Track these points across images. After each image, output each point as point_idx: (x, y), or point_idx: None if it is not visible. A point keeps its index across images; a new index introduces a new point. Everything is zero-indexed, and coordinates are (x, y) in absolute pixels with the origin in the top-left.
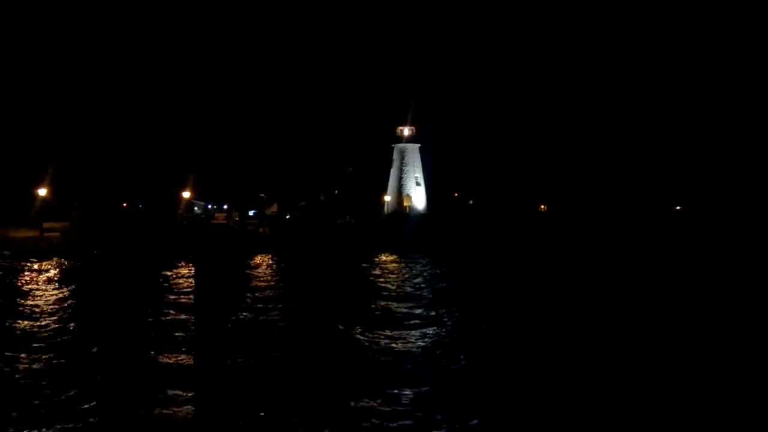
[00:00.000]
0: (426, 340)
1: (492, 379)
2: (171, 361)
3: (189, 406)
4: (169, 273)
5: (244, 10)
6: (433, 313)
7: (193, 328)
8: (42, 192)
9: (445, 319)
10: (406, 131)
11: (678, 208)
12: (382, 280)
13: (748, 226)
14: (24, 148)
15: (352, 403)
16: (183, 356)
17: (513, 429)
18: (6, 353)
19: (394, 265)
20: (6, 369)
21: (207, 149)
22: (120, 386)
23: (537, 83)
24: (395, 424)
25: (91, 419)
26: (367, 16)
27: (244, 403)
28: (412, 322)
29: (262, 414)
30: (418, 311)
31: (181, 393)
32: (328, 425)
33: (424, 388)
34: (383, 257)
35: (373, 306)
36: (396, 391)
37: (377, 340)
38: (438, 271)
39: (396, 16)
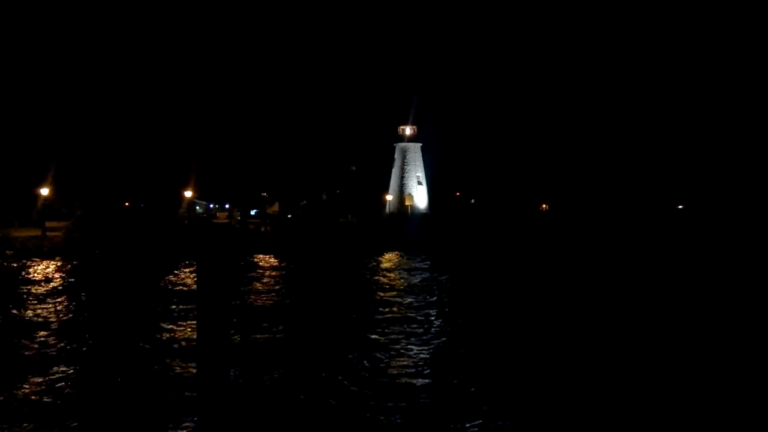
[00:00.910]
0: (427, 325)
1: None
2: (172, 346)
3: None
4: (170, 271)
5: (246, 10)
6: (435, 303)
7: (194, 323)
8: (44, 191)
9: (446, 309)
10: (408, 130)
11: (680, 207)
12: (384, 277)
13: (751, 226)
14: (26, 148)
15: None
16: (186, 334)
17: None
18: (8, 352)
19: (396, 263)
20: (10, 360)
21: (209, 149)
22: (123, 375)
23: (538, 82)
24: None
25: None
26: (369, 15)
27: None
28: (414, 312)
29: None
30: (421, 303)
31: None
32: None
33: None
34: (386, 256)
35: (377, 299)
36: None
37: (380, 325)
38: (439, 269)
39: (397, 15)
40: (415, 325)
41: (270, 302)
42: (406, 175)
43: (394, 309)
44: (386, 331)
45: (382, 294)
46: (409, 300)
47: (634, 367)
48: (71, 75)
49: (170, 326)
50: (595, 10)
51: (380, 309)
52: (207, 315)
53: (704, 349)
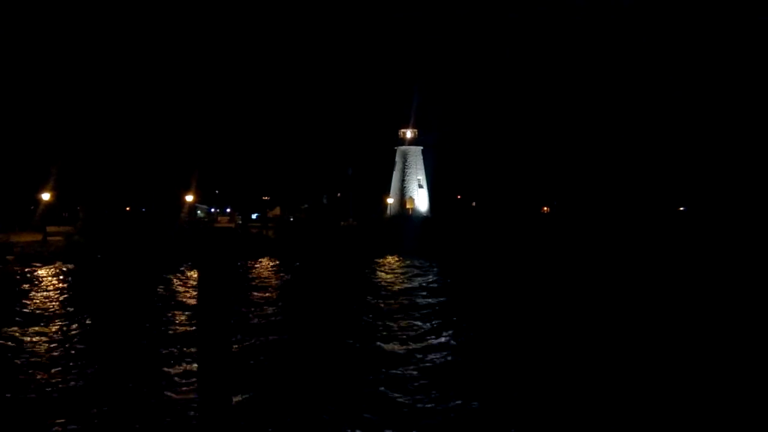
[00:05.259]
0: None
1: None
2: (173, 355)
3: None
4: (172, 276)
5: (246, 15)
6: (434, 303)
7: (195, 324)
8: (45, 196)
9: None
10: (409, 134)
11: (681, 209)
12: (386, 278)
13: (751, 228)
14: (27, 152)
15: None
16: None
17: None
18: (9, 355)
19: (397, 265)
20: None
21: (210, 153)
22: (123, 379)
23: (539, 85)
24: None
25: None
26: (369, 18)
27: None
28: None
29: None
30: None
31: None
32: None
33: None
34: (387, 260)
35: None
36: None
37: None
38: (440, 270)
39: (398, 18)
40: (412, 317)
41: (275, 305)
42: (407, 178)
43: (393, 305)
44: (387, 324)
45: (382, 292)
46: (408, 298)
47: (633, 366)
48: (73, 79)
49: (171, 331)
50: (596, 12)
51: (380, 306)
52: (209, 318)
53: (704, 349)
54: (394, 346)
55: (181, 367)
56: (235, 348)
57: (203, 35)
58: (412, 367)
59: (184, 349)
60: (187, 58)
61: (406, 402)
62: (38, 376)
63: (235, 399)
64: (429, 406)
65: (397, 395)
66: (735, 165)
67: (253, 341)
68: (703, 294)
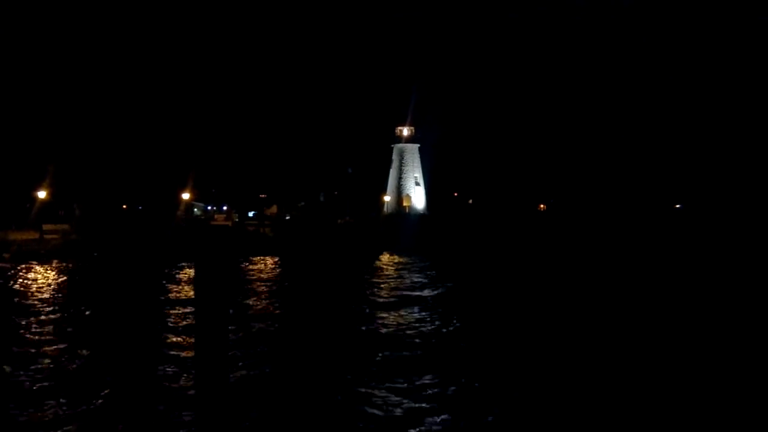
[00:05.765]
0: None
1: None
2: (172, 352)
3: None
4: (169, 274)
5: (244, 12)
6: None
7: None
8: (42, 194)
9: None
10: (405, 131)
11: (677, 206)
12: (382, 275)
13: (747, 225)
14: (24, 150)
15: None
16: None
17: None
18: (8, 355)
19: (394, 262)
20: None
21: (206, 151)
22: (122, 378)
23: (536, 83)
24: None
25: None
26: (367, 16)
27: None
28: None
29: None
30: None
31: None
32: None
33: None
34: (384, 257)
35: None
36: None
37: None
38: (437, 268)
39: (395, 16)
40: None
41: (273, 300)
42: (404, 176)
43: (390, 301)
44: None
45: (379, 287)
46: (405, 294)
47: (629, 363)
48: (69, 77)
49: (169, 330)
50: (594, 10)
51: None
52: (205, 317)
53: (703, 349)
54: (388, 335)
55: (179, 356)
56: (233, 338)
57: (200, 33)
58: (406, 353)
59: (181, 339)
60: (185, 56)
61: (403, 388)
62: (41, 365)
63: (233, 384)
64: (425, 392)
65: (393, 380)
66: (732, 164)
67: (250, 333)
68: (699, 291)
